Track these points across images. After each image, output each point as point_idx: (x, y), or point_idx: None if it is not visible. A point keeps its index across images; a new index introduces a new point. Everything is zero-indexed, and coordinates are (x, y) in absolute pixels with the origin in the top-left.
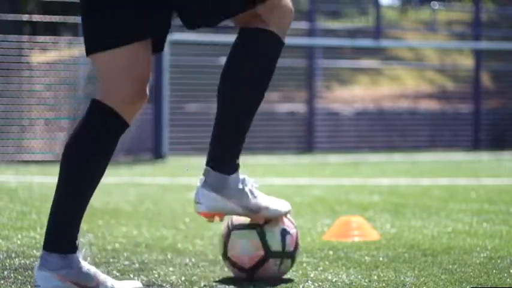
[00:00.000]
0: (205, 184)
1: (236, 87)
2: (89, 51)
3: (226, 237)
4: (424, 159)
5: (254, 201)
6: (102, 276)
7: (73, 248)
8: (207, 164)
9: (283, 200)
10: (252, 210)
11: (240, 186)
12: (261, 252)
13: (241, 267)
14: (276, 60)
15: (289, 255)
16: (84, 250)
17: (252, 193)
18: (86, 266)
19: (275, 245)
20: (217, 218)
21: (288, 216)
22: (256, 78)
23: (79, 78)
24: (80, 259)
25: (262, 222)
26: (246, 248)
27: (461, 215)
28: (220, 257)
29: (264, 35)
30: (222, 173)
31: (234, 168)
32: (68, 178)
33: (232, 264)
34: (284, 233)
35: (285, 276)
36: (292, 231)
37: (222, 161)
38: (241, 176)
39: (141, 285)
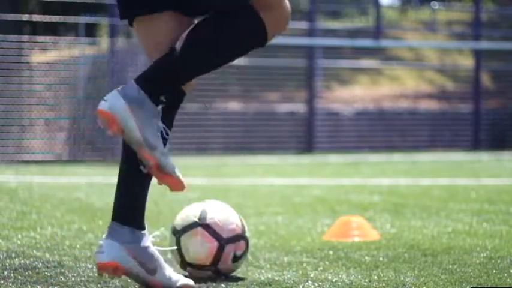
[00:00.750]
0: (111, 235)
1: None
2: (134, 15)
3: (177, 245)
4: (424, 159)
5: (152, 261)
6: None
7: (143, 226)
8: (114, 219)
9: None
10: (149, 270)
11: (145, 244)
12: (215, 244)
13: (203, 265)
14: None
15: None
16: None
17: (153, 253)
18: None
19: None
20: (116, 273)
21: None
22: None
23: (79, 78)
24: (147, 239)
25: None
26: (200, 245)
27: (461, 215)
28: (179, 267)
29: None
30: (130, 226)
31: (141, 225)
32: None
33: (194, 267)
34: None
35: (285, 276)
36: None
37: (131, 212)
38: (147, 236)
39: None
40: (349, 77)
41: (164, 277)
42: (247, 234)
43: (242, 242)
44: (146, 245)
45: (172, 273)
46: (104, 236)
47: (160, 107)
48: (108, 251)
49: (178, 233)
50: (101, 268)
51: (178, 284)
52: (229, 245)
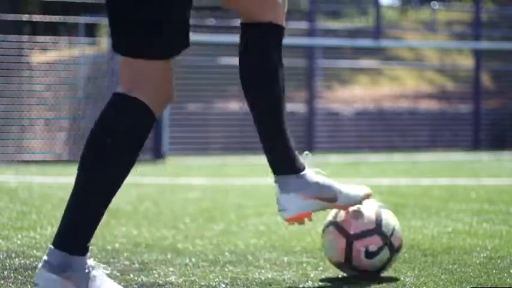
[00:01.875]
0: (282, 190)
1: (263, 89)
2: (140, 55)
3: (348, 248)
4: (424, 159)
5: (328, 190)
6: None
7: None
8: (275, 173)
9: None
10: (330, 199)
11: (314, 179)
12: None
13: (346, 231)
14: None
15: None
16: None
17: (324, 182)
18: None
19: (389, 229)
20: (306, 219)
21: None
22: (275, 75)
23: (79, 78)
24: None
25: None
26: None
27: (461, 215)
28: (337, 263)
29: (268, 30)
30: (293, 174)
31: (300, 166)
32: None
33: (357, 269)
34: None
35: (285, 276)
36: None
37: (285, 162)
38: (309, 171)
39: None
40: (349, 77)
41: (347, 197)
42: (386, 229)
43: (376, 237)
44: (314, 180)
45: (350, 188)
46: (278, 191)
47: (88, 256)
48: (290, 206)
49: (353, 236)
50: (294, 219)
51: (360, 196)
52: (358, 241)
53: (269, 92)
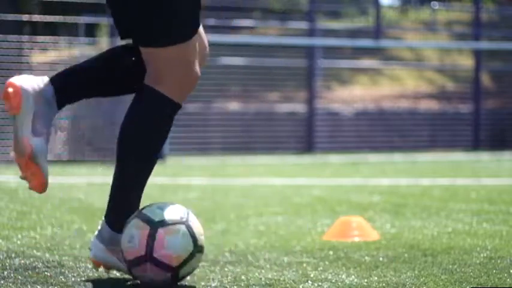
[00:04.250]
0: (99, 234)
1: (129, 147)
2: (169, 43)
3: (150, 237)
4: (424, 159)
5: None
6: None
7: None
8: (105, 216)
9: None
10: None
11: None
12: (190, 248)
13: (168, 265)
14: (167, 121)
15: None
16: None
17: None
18: None
19: (200, 240)
20: (102, 267)
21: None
22: (146, 139)
23: None
24: None
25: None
26: (178, 244)
27: (461, 215)
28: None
29: (157, 98)
30: (112, 230)
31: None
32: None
33: (157, 264)
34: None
35: (285, 276)
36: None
37: (114, 217)
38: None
39: None
40: (349, 77)
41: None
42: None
43: (148, 265)
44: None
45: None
46: (96, 233)
47: None
48: (96, 251)
49: (159, 223)
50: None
51: None
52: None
53: (121, 151)
